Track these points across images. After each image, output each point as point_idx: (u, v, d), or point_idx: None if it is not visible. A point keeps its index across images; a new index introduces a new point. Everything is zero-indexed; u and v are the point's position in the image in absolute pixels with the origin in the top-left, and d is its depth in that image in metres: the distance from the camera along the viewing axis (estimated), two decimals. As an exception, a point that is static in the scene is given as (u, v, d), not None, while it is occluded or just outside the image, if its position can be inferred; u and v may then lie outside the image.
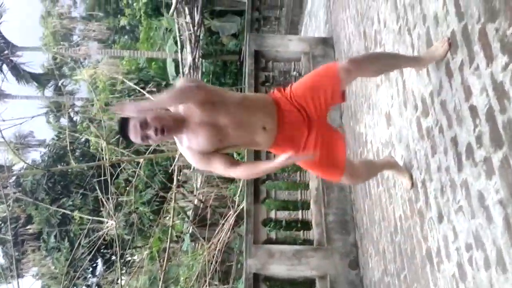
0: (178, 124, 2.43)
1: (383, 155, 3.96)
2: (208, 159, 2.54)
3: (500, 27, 2.08)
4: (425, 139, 3.02)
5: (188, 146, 2.53)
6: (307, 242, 5.12)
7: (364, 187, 4.54)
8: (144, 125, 2.32)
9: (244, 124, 2.54)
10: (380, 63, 2.81)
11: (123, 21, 23.22)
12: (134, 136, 2.37)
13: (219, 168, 2.56)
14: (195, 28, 10.88)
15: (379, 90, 4.07)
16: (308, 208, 5.35)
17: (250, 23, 9.61)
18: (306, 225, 5.46)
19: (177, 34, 12.14)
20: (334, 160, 2.75)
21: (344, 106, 5.41)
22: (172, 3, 10.71)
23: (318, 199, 5.15)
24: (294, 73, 6.37)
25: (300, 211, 5.38)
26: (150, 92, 10.29)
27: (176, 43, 12.98)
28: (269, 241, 5.08)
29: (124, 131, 2.39)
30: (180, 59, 12.46)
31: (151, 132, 2.33)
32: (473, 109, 2.36)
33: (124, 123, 2.37)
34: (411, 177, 3.26)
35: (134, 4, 19.88)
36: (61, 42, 23.38)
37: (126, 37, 25.77)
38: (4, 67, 21.67)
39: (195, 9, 10.78)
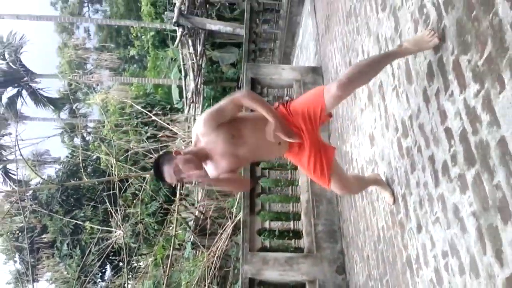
0: (202, 159, 2.54)
1: (367, 172, 3.97)
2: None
3: (472, 58, 2.12)
4: (405, 158, 3.03)
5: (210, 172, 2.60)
6: (298, 249, 5.09)
7: (350, 200, 4.54)
8: (177, 171, 2.44)
9: (261, 146, 2.64)
10: (366, 76, 2.65)
11: (133, 52, 23.39)
12: (170, 179, 2.51)
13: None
14: (198, 58, 10.95)
15: (363, 114, 4.09)
16: (299, 219, 5.33)
17: (247, 53, 9.68)
18: (297, 234, 5.44)
19: (181, 63, 12.20)
20: (322, 168, 2.78)
21: (332, 128, 5.43)
22: (177, 35, 10.79)
23: (308, 211, 5.14)
24: (287, 98, 6.39)
25: (292, 222, 5.36)
26: (156, 114, 10.29)
27: (180, 71, 13.06)
28: (263, 249, 5.05)
29: (160, 176, 2.54)
30: (183, 85, 12.52)
31: (184, 175, 2.44)
32: (448, 131, 2.38)
33: (158, 170, 2.51)
34: (393, 193, 3.28)
35: (143, 37, 20.04)
36: (76, 70, 23.41)
37: (135, 65, 25.92)
38: (24, 92, 21.65)
39: (198, 41, 10.86)
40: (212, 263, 7.16)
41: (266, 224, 5.33)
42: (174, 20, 9.96)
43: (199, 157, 2.52)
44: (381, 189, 3.41)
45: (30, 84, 21.38)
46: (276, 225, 5.41)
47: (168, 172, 2.47)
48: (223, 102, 2.55)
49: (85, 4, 30.71)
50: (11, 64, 20.91)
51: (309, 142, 2.71)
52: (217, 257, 7.12)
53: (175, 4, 10.57)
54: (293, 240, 5.21)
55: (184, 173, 2.43)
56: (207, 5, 11.78)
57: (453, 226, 2.34)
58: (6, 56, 20.95)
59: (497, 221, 1.93)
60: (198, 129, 2.53)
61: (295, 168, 5.70)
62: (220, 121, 2.48)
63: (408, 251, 2.99)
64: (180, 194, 8.59)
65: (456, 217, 2.31)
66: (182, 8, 10.16)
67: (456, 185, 2.29)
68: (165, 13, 12.91)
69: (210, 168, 2.58)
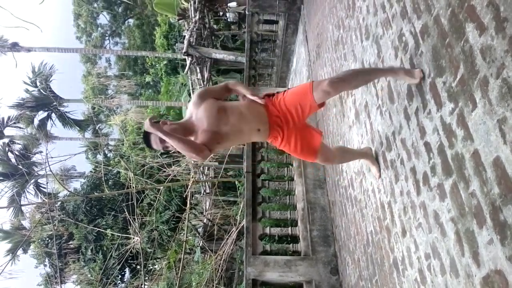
0: (188, 132, 2.49)
1: (356, 183, 3.93)
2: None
3: (447, 80, 2.10)
4: (390, 169, 3.00)
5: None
6: (295, 253, 5.03)
7: (341, 207, 4.49)
8: (162, 140, 2.40)
9: (242, 131, 2.61)
10: (357, 80, 2.62)
11: (148, 78, 23.50)
12: (156, 147, 2.47)
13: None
14: (205, 83, 10.98)
15: (351, 130, 4.07)
16: (296, 225, 5.28)
17: (248, 78, 9.71)
18: (294, 239, 5.38)
19: (190, 87, 12.25)
20: (309, 148, 2.84)
21: (324, 143, 5.40)
22: (186, 64, 10.85)
23: (304, 218, 5.09)
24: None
25: (289, 228, 5.30)
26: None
27: (189, 94, 13.07)
28: (264, 252, 4.99)
29: (148, 143, 2.49)
30: (192, 107, 12.50)
31: (168, 144, 2.41)
32: (427, 145, 2.36)
33: (147, 137, 2.47)
34: (379, 168, 3.18)
35: (157, 65, 20.16)
36: (99, 95, 23.49)
37: (150, 90, 26.02)
38: (53, 115, 21.76)
39: (205, 68, 10.90)
40: (219, 265, 7.09)
41: (267, 230, 5.28)
42: (184, 50, 10.02)
43: (185, 129, 2.49)
44: (370, 163, 3.27)
45: (58, 108, 21.46)
46: (276, 230, 5.35)
47: (154, 140, 2.44)
48: (217, 85, 2.67)
49: (106, 38, 30.99)
50: (42, 90, 21.03)
51: (294, 130, 2.74)
52: (224, 260, 7.05)
53: (184, 36, 10.65)
54: (291, 244, 5.15)
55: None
56: (213, 37, 11.86)
57: (434, 231, 2.30)
58: (38, 83, 21.07)
59: (473, 225, 1.89)
60: (192, 100, 2.55)
61: (292, 179, 5.66)
62: (210, 95, 2.54)
63: (395, 254, 2.94)
64: (190, 203, 8.54)
65: (436, 223, 2.27)
66: (191, 40, 10.23)
67: (436, 193, 2.26)
68: (176, 44, 13.00)
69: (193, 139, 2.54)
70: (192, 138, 2.50)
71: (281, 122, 2.67)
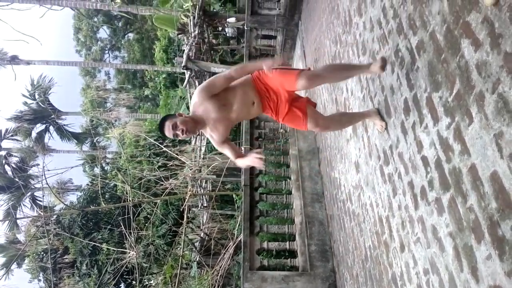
0: (198, 123, 2.73)
1: (354, 197, 3.91)
2: (222, 144, 2.92)
3: (443, 95, 2.12)
4: (387, 183, 3.00)
5: (210, 135, 2.85)
6: (293, 268, 4.98)
7: (339, 221, 4.47)
8: (174, 127, 2.65)
9: (243, 109, 2.85)
10: (334, 76, 3.01)
11: (147, 92, 23.61)
12: (168, 133, 2.69)
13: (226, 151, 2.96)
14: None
15: (349, 144, 4.08)
16: (294, 239, 5.25)
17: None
18: (292, 254, 5.33)
19: (189, 101, 12.29)
20: (297, 119, 2.98)
21: (322, 157, 5.41)
22: (185, 77, 10.90)
23: (302, 232, 5.06)
24: (281, 130, 6.41)
25: (287, 242, 5.26)
26: (166, 146, 10.27)
27: (188, 108, 13.10)
28: (262, 267, 4.94)
29: (162, 130, 2.73)
30: (191, 121, 12.50)
31: (179, 132, 2.66)
32: (424, 159, 2.36)
33: (161, 124, 2.72)
34: (385, 123, 3.04)
35: (156, 79, 20.27)
36: (97, 108, 23.52)
37: (148, 103, 26.10)
38: (51, 128, 21.77)
39: (203, 82, 10.94)
40: (216, 281, 6.99)
41: (265, 245, 5.24)
42: (183, 64, 10.07)
43: (196, 122, 2.71)
44: (374, 119, 3.15)
45: (56, 120, 21.50)
46: (273, 245, 5.31)
47: (167, 126, 2.67)
48: (216, 77, 2.76)
49: (106, 51, 31.21)
50: (40, 103, 21.08)
51: (282, 102, 2.92)
52: (220, 275, 6.96)
53: (184, 50, 10.73)
54: (289, 259, 5.11)
55: (180, 129, 2.63)
56: (212, 51, 11.94)
57: (432, 246, 2.29)
58: (36, 96, 21.14)
59: (472, 240, 1.89)
60: (194, 100, 2.74)
61: (290, 193, 5.64)
62: (212, 92, 2.69)
63: (393, 269, 2.92)
64: (187, 217, 8.48)
65: (435, 237, 2.26)
66: (190, 54, 10.29)
67: (434, 208, 2.26)
68: (175, 58, 13.06)
69: (210, 131, 2.81)
70: (208, 129, 2.80)
71: (269, 97, 2.90)
